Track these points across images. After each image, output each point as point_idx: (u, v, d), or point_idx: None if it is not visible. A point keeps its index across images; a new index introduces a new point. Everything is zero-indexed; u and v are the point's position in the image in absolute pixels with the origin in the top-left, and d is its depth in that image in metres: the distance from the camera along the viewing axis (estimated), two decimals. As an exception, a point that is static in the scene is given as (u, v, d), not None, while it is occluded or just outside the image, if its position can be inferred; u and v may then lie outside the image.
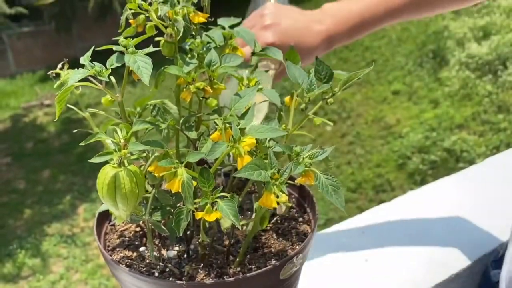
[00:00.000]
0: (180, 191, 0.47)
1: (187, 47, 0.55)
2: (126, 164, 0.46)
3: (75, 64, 0.54)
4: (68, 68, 0.54)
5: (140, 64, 0.46)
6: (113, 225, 0.66)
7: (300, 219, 0.67)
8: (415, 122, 4.82)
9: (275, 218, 0.66)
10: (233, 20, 0.63)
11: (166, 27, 0.52)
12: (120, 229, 0.65)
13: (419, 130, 4.69)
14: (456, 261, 0.92)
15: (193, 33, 0.54)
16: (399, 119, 4.95)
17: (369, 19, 0.81)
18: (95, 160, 0.45)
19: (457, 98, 4.96)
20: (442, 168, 4.08)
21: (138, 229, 0.65)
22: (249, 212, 0.68)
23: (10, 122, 6.95)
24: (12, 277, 3.89)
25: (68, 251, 4.15)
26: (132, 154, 0.48)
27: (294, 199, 0.71)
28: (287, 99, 0.59)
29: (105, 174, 0.46)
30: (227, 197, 0.48)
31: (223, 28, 0.62)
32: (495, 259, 0.89)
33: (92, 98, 6.45)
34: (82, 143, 0.46)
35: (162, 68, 0.53)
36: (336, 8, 0.82)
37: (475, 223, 1.01)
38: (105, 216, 0.66)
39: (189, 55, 0.54)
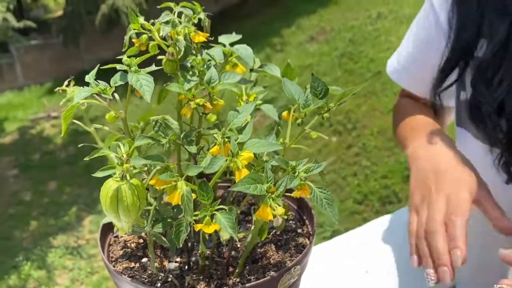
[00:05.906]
0: (180, 203, 0.49)
1: (188, 65, 0.57)
2: (128, 178, 0.48)
3: (82, 75, 0.56)
4: (75, 80, 0.56)
5: (143, 82, 0.48)
6: (117, 236, 0.68)
7: (299, 231, 0.68)
8: (420, 134, 4.80)
9: (274, 230, 0.68)
10: (234, 37, 0.65)
11: (168, 46, 0.55)
12: (123, 241, 0.67)
13: (424, 141, 4.67)
14: (458, 272, 0.93)
15: (194, 51, 0.56)
16: (405, 130, 4.93)
17: None
18: (98, 174, 0.46)
19: (462, 109, 4.94)
20: (448, 180, 4.06)
21: (140, 240, 0.67)
22: (249, 225, 0.70)
23: (17, 134, 7.01)
24: (18, 289, 3.90)
25: (73, 263, 4.16)
26: (134, 168, 0.50)
27: (293, 212, 0.72)
28: (284, 113, 0.60)
29: (108, 188, 0.47)
30: (225, 209, 0.49)
31: (224, 45, 0.63)
32: None
33: (99, 111, 6.50)
34: (87, 158, 0.48)
35: (164, 85, 0.55)
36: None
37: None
38: (109, 228, 0.67)
39: (190, 73, 0.56)
